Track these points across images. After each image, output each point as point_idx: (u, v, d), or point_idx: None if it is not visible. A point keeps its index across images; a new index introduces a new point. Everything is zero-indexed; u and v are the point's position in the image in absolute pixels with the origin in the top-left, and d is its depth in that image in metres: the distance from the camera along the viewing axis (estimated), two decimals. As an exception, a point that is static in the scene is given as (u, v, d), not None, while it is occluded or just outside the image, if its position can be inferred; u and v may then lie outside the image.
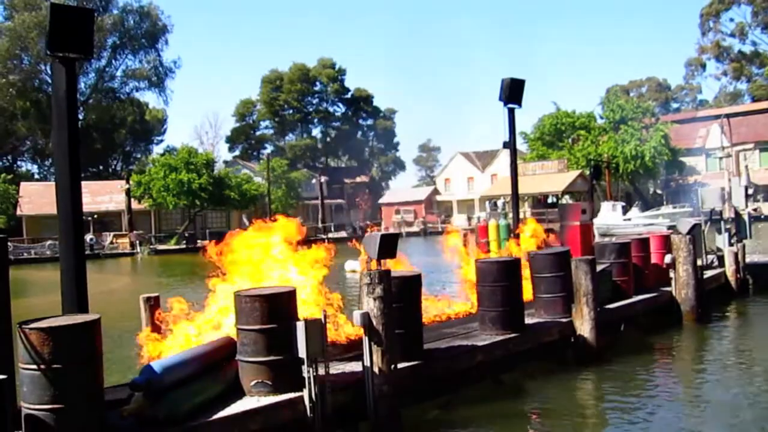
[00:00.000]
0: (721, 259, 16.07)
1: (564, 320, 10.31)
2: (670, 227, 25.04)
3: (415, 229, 65.86)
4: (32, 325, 5.34)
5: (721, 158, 54.12)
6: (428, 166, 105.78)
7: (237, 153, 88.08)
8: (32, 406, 5.22)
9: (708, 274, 14.81)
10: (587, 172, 55.90)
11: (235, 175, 57.88)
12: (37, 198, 51.58)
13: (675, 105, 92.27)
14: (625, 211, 47.26)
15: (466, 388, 8.44)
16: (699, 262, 14.03)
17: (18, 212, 51.14)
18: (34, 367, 5.21)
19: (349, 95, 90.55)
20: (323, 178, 67.71)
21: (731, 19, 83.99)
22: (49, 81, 66.92)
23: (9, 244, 6.37)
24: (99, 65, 67.60)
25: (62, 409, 5.21)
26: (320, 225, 61.05)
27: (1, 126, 62.54)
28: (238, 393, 6.59)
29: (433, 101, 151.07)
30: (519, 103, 15.16)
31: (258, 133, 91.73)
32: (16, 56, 62.53)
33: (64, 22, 7.11)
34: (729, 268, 15.67)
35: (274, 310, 6.59)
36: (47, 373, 5.20)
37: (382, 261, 7.53)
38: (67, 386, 5.24)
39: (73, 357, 5.31)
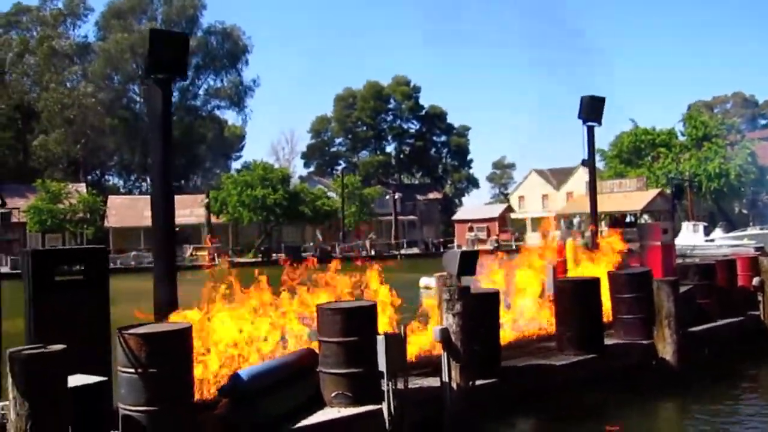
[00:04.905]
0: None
1: (645, 342, 10.06)
2: (757, 248, 24.01)
3: (488, 246, 65.16)
4: (131, 331, 5.67)
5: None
6: (502, 184, 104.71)
7: (312, 169, 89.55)
8: (128, 407, 5.54)
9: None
10: (667, 191, 54.12)
11: (310, 191, 58.83)
12: (123, 210, 53.73)
13: (763, 121, 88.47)
14: (707, 231, 45.38)
15: (543, 408, 8.35)
16: (790, 286, 13.40)
17: (105, 224, 53.45)
18: (132, 370, 5.53)
19: (423, 112, 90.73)
20: (397, 195, 67.96)
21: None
22: (137, 99, 70.44)
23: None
24: (183, 84, 70.35)
25: (156, 411, 5.49)
26: (393, 241, 61.37)
27: (92, 142, 65.78)
28: (320, 403, 6.77)
29: (509, 118, 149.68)
30: (599, 121, 14.95)
31: (332, 149, 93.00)
32: (107, 76, 65.82)
33: (162, 46, 7.54)
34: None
35: (355, 323, 6.75)
36: (143, 376, 5.50)
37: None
38: (161, 389, 5.53)
39: (167, 362, 5.61)
